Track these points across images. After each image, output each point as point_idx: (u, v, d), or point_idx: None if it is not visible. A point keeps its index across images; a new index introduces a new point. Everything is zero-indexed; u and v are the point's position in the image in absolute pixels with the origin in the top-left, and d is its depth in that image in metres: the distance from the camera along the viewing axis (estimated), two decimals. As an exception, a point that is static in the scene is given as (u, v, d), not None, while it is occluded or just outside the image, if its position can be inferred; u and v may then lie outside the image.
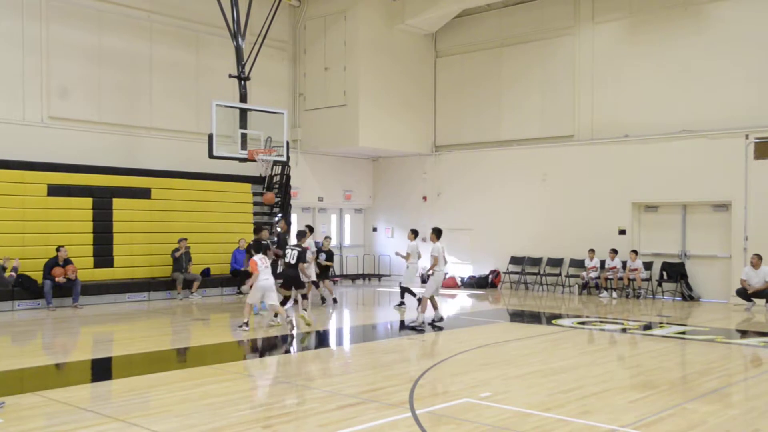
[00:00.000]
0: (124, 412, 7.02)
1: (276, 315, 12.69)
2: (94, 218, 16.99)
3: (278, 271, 14.17)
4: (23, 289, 15.13)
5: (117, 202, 17.40)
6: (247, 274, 18.30)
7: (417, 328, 12.58)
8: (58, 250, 15.36)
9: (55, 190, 16.44)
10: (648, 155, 18.55)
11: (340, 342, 12.49)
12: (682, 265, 18.13)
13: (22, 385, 8.58)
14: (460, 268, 21.74)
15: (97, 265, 16.71)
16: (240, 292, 18.57)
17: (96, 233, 16.93)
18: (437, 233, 13.48)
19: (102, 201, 17.17)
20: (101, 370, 9.82)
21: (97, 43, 17.83)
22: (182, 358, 10.61)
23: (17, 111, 16.54)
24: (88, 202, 16.95)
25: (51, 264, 15.26)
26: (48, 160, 16.66)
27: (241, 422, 6.67)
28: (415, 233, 15.50)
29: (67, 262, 15.42)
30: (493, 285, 20.81)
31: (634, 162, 18.73)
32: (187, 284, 17.24)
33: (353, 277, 23.21)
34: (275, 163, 18.18)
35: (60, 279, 15.18)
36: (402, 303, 15.88)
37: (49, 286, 15.12)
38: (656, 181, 18.42)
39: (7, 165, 15.96)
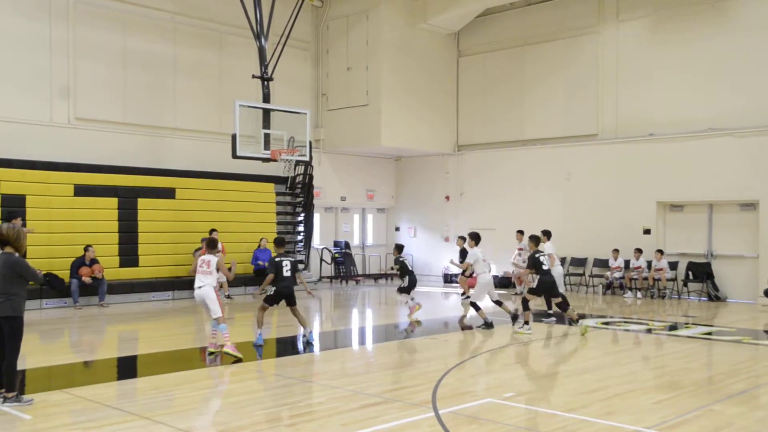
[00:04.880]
0: (149, 409, 7.09)
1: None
2: (120, 218, 17.19)
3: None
4: (51, 288, 15.35)
5: (142, 202, 17.59)
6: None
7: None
8: (86, 249, 15.56)
9: (81, 191, 16.66)
10: (673, 154, 18.34)
11: (363, 341, 12.50)
12: (708, 265, 17.91)
13: (50, 382, 8.70)
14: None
15: (122, 265, 16.90)
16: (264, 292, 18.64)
17: (121, 233, 17.12)
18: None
19: (127, 201, 17.36)
20: (127, 368, 9.93)
21: (122, 45, 18.04)
22: (207, 356, 10.67)
23: (44, 112, 16.78)
24: (113, 202, 17.15)
25: (78, 263, 15.46)
26: (74, 160, 16.88)
27: (264, 420, 6.71)
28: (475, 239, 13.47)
29: (94, 261, 15.61)
30: (513, 285, 20.68)
31: (659, 161, 18.54)
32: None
33: (376, 277, 23.24)
34: (298, 163, 18.26)
35: (86, 278, 15.38)
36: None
37: (76, 285, 15.32)
38: (682, 180, 18.21)
39: (34, 166, 16.20)
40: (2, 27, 16.19)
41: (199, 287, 10.02)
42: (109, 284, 15.90)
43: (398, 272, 14.23)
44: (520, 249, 18.54)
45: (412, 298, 14.18)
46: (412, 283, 14.05)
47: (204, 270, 10.07)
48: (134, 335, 12.53)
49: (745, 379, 8.79)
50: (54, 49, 16.89)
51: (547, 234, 15.35)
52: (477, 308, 12.85)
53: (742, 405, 7.48)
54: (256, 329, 10.91)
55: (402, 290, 14.08)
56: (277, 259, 10.60)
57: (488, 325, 12.70)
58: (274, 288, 10.58)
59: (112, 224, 17.02)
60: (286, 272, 10.53)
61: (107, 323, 13.57)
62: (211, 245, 10.23)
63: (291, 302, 10.73)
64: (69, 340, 12.15)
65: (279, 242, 10.99)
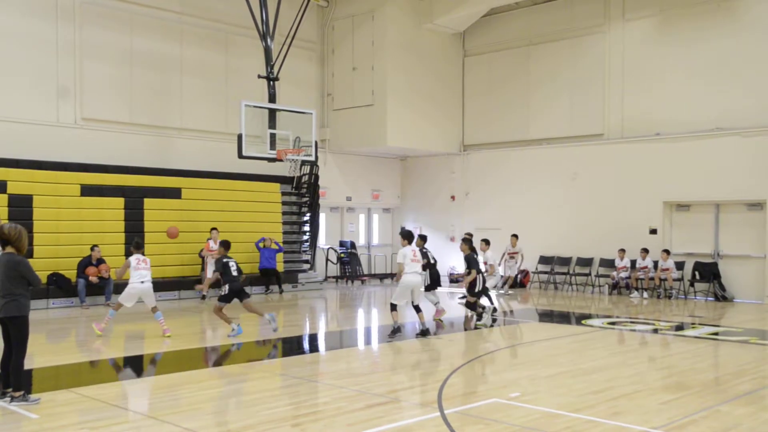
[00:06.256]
0: (156, 409, 7.11)
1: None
2: (126, 218, 17.23)
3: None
4: (58, 287, 15.40)
5: (148, 202, 17.63)
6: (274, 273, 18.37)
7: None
8: (92, 249, 15.61)
9: (88, 191, 16.71)
10: (680, 153, 18.29)
11: (368, 341, 12.50)
12: (715, 265, 17.86)
13: (57, 382, 8.73)
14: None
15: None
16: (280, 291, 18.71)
17: (128, 233, 17.15)
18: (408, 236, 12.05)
19: (134, 201, 17.40)
20: (133, 367, 9.97)
21: (129, 45, 18.07)
22: (212, 356, 10.71)
23: (51, 112, 16.84)
24: (120, 202, 17.19)
25: (84, 263, 15.51)
26: (81, 160, 16.93)
27: (270, 420, 6.71)
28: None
29: (100, 261, 15.66)
30: (522, 285, 20.68)
31: (666, 160, 18.49)
32: (215, 284, 17.26)
33: (381, 277, 23.23)
34: (304, 162, 18.28)
35: (93, 278, 15.43)
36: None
37: (83, 285, 15.38)
38: (688, 180, 18.16)
39: (41, 166, 16.25)
40: (9, 27, 16.25)
41: (142, 282, 11.39)
42: (116, 284, 15.91)
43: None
44: (513, 253, 19.49)
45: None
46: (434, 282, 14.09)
47: (143, 267, 11.44)
48: (140, 335, 12.55)
49: (752, 380, 8.76)
50: (60, 50, 16.94)
51: (487, 242, 15.98)
52: (393, 308, 11.91)
53: (750, 405, 7.45)
54: (230, 325, 11.50)
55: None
56: (224, 260, 11.46)
57: (395, 330, 11.78)
58: (227, 287, 11.39)
59: (118, 224, 17.06)
60: (234, 271, 11.43)
61: (114, 323, 13.57)
62: (137, 246, 11.67)
63: (242, 297, 11.54)
64: (76, 340, 12.18)
65: (226, 245, 11.79)
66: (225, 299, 11.50)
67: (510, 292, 19.32)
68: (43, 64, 16.71)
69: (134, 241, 11.91)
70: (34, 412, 6.89)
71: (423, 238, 13.81)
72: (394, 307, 11.92)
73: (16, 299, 7.15)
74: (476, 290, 13.42)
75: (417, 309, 12.00)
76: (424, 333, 11.81)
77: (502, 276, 19.13)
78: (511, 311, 15.90)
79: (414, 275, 11.81)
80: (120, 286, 15.99)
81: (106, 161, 17.35)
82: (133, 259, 11.47)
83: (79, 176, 16.67)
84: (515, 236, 19.47)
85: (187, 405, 7.44)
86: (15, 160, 15.98)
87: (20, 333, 7.19)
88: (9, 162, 15.88)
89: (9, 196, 15.48)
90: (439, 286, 14.42)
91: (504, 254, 19.54)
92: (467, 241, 13.59)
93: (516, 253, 19.48)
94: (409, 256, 11.80)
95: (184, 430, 6.39)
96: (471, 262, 13.33)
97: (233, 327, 11.43)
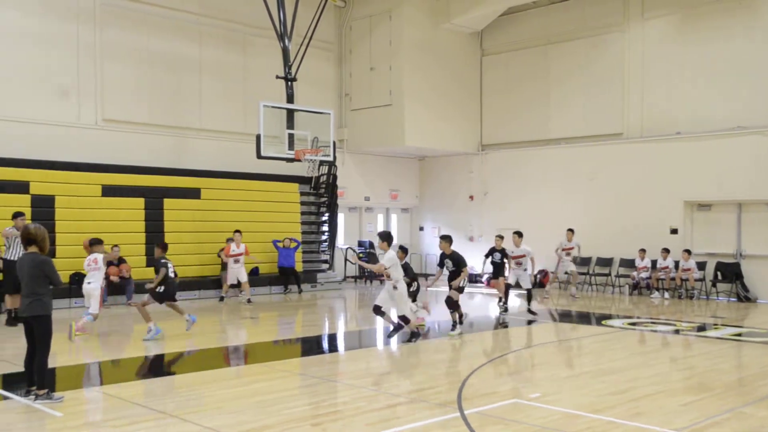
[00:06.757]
0: (177, 408, 7.15)
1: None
2: (146, 218, 17.39)
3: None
4: (79, 287, 15.51)
5: (168, 202, 17.77)
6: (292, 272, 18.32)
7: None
8: (112, 249, 15.73)
9: (108, 191, 16.88)
10: (701, 153, 18.13)
11: (387, 341, 12.49)
12: (737, 265, 17.67)
13: (80, 380, 8.82)
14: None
15: (149, 264, 17.00)
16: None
17: (148, 233, 17.30)
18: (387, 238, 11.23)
19: (153, 201, 17.55)
20: (155, 366, 10.04)
21: (148, 47, 18.22)
22: (233, 355, 10.77)
23: (72, 114, 17.02)
24: (140, 202, 17.34)
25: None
26: (102, 161, 17.11)
27: (290, 420, 6.74)
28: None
29: (121, 260, 15.79)
30: (542, 285, 20.54)
31: (686, 160, 18.33)
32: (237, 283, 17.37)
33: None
34: (322, 163, 18.33)
35: (114, 277, 15.56)
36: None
37: (104, 284, 15.48)
38: (709, 179, 17.99)
39: (63, 166, 16.44)
40: (31, 29, 16.44)
41: (89, 283, 11.43)
42: (136, 283, 16.06)
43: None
44: (569, 248, 18.32)
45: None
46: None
47: (93, 267, 11.38)
48: (161, 334, 12.63)
49: (775, 381, 8.66)
50: (81, 51, 17.12)
51: (519, 234, 15.32)
52: (406, 321, 11.20)
53: (774, 407, 7.36)
54: (186, 316, 11.72)
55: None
56: (162, 261, 11.47)
57: (415, 335, 11.40)
58: (163, 287, 11.47)
59: (138, 224, 17.22)
60: (171, 273, 11.55)
61: (135, 322, 13.70)
62: (93, 243, 11.53)
63: (172, 300, 11.72)
64: (98, 339, 12.28)
65: (164, 246, 11.76)
66: (158, 297, 11.48)
67: (547, 293, 18.62)
68: (64, 65, 16.89)
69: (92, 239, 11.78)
70: (58, 410, 6.96)
71: (404, 251, 12.23)
72: (407, 320, 11.21)
73: (39, 298, 7.24)
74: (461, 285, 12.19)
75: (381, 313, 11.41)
76: (414, 335, 11.30)
77: (552, 273, 19.14)
78: (557, 310, 15.82)
79: (405, 280, 11.38)
80: (139, 286, 16.20)
81: (126, 162, 17.52)
82: (86, 259, 11.54)
83: (100, 177, 16.86)
84: (571, 231, 18.29)
85: (209, 404, 7.48)
86: (37, 161, 16.18)
87: (44, 332, 7.27)
88: (31, 163, 16.08)
89: (31, 196, 15.68)
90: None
91: (558, 250, 18.26)
92: (447, 238, 12.25)
93: (572, 248, 18.24)
94: (397, 260, 11.11)
95: (205, 428, 6.43)
96: (459, 260, 12.05)
97: (151, 327, 11.36)
